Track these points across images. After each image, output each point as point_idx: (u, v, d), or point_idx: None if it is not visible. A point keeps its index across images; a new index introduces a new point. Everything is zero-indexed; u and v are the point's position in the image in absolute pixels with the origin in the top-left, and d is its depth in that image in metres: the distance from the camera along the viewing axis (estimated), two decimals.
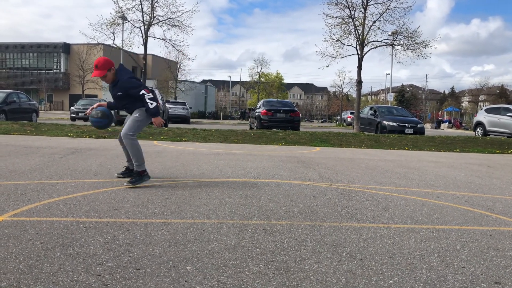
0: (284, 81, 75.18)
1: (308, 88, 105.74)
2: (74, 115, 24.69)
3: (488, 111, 20.07)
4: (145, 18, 15.96)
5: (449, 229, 3.12)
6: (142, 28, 16.06)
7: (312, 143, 11.06)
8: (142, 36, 16.04)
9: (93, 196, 3.76)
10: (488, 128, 18.91)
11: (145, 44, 16.13)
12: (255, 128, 17.81)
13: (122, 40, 17.82)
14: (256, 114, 17.98)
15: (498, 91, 73.09)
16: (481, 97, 73.60)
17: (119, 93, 4.37)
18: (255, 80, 62.88)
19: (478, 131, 19.63)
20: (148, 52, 17.61)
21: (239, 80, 74.56)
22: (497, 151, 11.01)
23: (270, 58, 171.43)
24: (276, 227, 2.97)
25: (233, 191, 4.18)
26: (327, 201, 3.94)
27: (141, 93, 4.28)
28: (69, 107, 31.66)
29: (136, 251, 2.37)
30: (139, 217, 3.10)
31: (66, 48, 52.84)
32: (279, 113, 17.24)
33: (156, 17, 16.05)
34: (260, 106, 18.36)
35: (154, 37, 16.54)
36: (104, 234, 2.67)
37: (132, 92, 4.32)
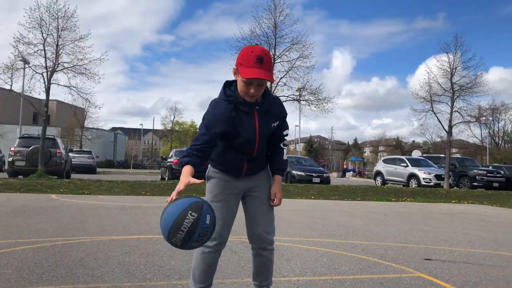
0: None
1: None
2: None
3: (385, 161, 21.93)
4: (48, 64, 15.20)
5: (345, 279, 3.26)
6: (45, 74, 15.22)
7: None
8: (45, 83, 15.17)
9: None
10: (386, 177, 20.57)
11: (48, 91, 15.24)
12: (166, 178, 17.42)
13: (23, 85, 16.73)
14: (168, 163, 17.67)
15: (394, 142, 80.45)
16: (381, 148, 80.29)
17: (274, 124, 2.24)
18: (168, 128, 62.29)
19: (378, 180, 21.24)
20: (53, 98, 16.68)
21: (151, 128, 73.36)
22: (393, 199, 11.95)
23: (186, 107, 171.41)
24: None
25: (134, 250, 3.98)
26: (231, 255, 3.92)
27: (286, 133, 2.36)
28: None
29: None
30: (23, 285, 2.80)
31: None
32: None
33: (61, 63, 15.39)
34: (172, 155, 18.12)
35: (58, 84, 15.73)
36: None
37: (284, 128, 2.34)
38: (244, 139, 2.14)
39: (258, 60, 1.99)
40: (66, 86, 15.85)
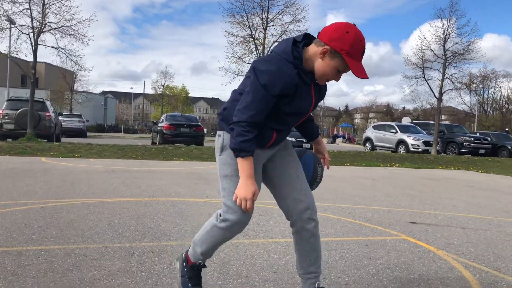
0: (191, 95, 74.87)
1: (214, 102, 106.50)
2: None
3: (375, 127, 22.06)
4: (35, 25, 14.75)
5: (331, 241, 3.34)
6: (31, 34, 14.80)
7: (215, 159, 11.11)
8: (31, 44, 14.77)
9: None
10: (375, 143, 20.76)
11: (35, 52, 14.86)
12: (157, 143, 17.41)
13: (9, 46, 16.28)
14: (159, 128, 17.60)
15: (385, 109, 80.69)
16: (371, 114, 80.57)
17: (319, 103, 2.15)
18: (159, 93, 61.68)
19: (367, 146, 21.44)
20: (41, 60, 16.30)
21: (142, 92, 72.53)
22: (381, 165, 12.11)
23: (177, 71, 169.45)
24: (166, 249, 2.92)
25: (124, 212, 4.02)
26: None
27: None
28: None
29: (3, 285, 2.15)
30: (12, 245, 2.83)
31: None
32: (183, 128, 17.07)
33: (48, 24, 14.93)
34: (162, 120, 18.03)
35: (45, 45, 15.31)
36: None
37: None
38: (296, 110, 1.84)
39: (363, 52, 1.74)
40: (54, 48, 15.49)
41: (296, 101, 1.81)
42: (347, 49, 1.69)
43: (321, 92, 1.94)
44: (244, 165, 1.76)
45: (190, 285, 2.02)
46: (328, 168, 2.26)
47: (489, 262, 2.95)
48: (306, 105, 1.86)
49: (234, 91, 1.91)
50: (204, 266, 2.07)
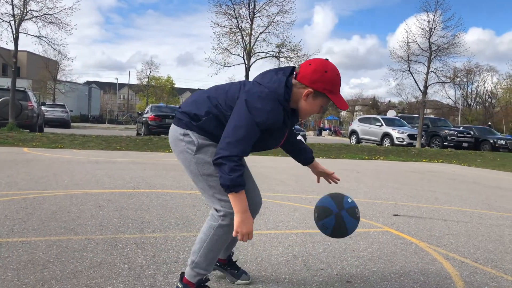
0: (176, 86, 74.21)
1: None
2: None
3: (361, 120, 22.23)
4: (16, 12, 14.40)
5: (315, 233, 3.36)
6: (12, 22, 14.46)
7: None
8: (12, 32, 14.43)
9: None
10: (361, 136, 20.93)
11: (16, 41, 14.53)
12: (142, 134, 17.26)
13: None
14: (144, 119, 17.44)
15: (371, 102, 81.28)
16: (357, 107, 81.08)
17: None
18: (144, 83, 60.98)
19: (352, 139, 21.61)
20: (23, 49, 15.94)
21: (127, 82, 71.70)
22: (366, 157, 12.22)
23: (163, 62, 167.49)
24: (149, 240, 2.90)
25: (108, 203, 3.98)
26: (206, 210, 3.97)
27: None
28: None
29: None
30: None
31: None
32: (168, 119, 16.92)
33: (30, 11, 14.59)
34: (148, 111, 17.86)
35: (27, 33, 14.96)
36: None
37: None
38: (266, 147, 1.93)
39: (340, 84, 1.84)
40: (36, 36, 15.17)
41: (270, 138, 1.88)
42: (330, 88, 1.79)
43: (295, 117, 1.95)
44: (240, 199, 1.72)
45: None
46: (339, 179, 2.33)
47: (469, 253, 3.01)
48: (275, 143, 1.95)
49: (209, 100, 1.86)
50: (208, 279, 2.01)
